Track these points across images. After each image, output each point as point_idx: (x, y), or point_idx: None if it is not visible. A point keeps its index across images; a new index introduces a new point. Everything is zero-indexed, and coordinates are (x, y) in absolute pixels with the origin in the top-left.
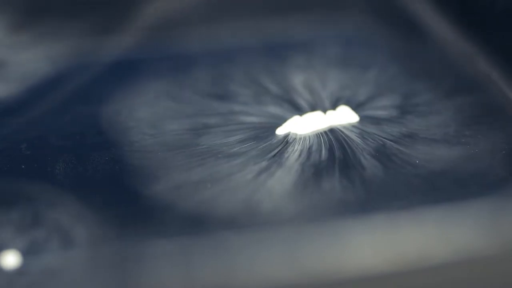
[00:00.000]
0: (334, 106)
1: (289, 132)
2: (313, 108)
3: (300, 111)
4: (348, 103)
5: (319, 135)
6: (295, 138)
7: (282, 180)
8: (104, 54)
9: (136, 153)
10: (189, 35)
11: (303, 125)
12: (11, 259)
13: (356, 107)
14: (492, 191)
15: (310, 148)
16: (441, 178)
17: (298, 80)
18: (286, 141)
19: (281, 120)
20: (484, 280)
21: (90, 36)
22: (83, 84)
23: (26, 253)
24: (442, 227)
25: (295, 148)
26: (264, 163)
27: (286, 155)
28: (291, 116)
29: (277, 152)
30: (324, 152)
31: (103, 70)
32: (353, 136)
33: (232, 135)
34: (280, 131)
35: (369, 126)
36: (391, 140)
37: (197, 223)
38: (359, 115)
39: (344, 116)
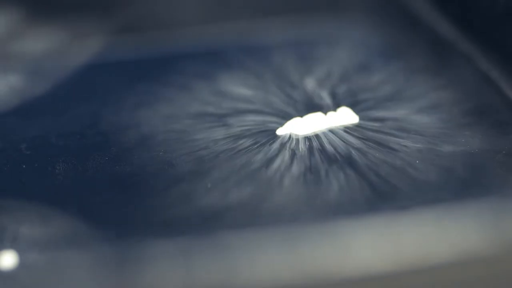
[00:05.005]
0: (334, 107)
1: (290, 132)
2: (313, 109)
3: (300, 112)
4: (348, 103)
5: (319, 136)
6: (295, 139)
7: (282, 180)
8: (104, 54)
9: (136, 154)
10: (185, 35)
11: (304, 126)
12: (10, 259)
13: (356, 108)
14: (492, 191)
15: (310, 148)
16: (441, 178)
17: (298, 80)
18: (287, 141)
19: (282, 121)
20: (484, 280)
21: (89, 36)
22: (83, 84)
23: (25, 253)
24: (442, 227)
25: (296, 149)
26: (264, 164)
27: (286, 156)
28: (291, 117)
29: (278, 153)
30: (324, 153)
31: (102, 70)
32: (353, 136)
33: (231, 135)
34: (281, 131)
35: (369, 126)
36: (391, 140)
37: (197, 223)
38: (359, 116)
39: (344, 117)
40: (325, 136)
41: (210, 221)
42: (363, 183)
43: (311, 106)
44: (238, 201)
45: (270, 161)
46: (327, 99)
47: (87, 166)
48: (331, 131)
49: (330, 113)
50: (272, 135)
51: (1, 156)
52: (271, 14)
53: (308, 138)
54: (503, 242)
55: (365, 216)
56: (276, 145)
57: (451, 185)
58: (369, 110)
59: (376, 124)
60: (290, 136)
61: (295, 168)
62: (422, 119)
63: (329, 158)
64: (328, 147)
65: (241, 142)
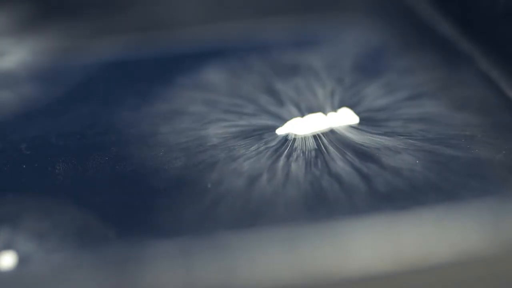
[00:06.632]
0: (334, 108)
1: (290, 132)
2: (313, 109)
3: (301, 112)
4: (348, 104)
5: (320, 136)
6: (295, 139)
7: (282, 180)
8: (104, 54)
9: (135, 154)
10: (185, 35)
11: (304, 126)
12: (10, 260)
13: (356, 108)
14: (492, 191)
15: (310, 148)
16: (441, 178)
17: (299, 80)
18: (287, 141)
19: (282, 121)
20: (484, 280)
21: (88, 37)
22: (83, 84)
23: (25, 253)
24: (442, 227)
25: (295, 149)
26: (264, 164)
27: (286, 156)
28: (291, 117)
29: (278, 153)
30: (324, 153)
31: (102, 70)
32: (353, 136)
33: (232, 135)
34: (281, 131)
35: (369, 127)
36: (391, 141)
37: (197, 223)
38: (359, 116)
39: (344, 118)
40: (325, 137)
41: (210, 221)
42: (364, 183)
43: (311, 106)
44: (238, 201)
45: (270, 161)
46: (327, 99)
47: (87, 166)
48: (331, 131)
49: (331, 114)
50: (272, 135)
51: (1, 156)
52: (271, 14)
53: (308, 138)
54: (503, 242)
55: (365, 216)
56: (276, 145)
57: (451, 185)
58: (369, 110)
59: (376, 124)
60: (290, 136)
61: (295, 168)
62: (421, 119)
63: (329, 159)
64: (328, 147)
65: (241, 142)
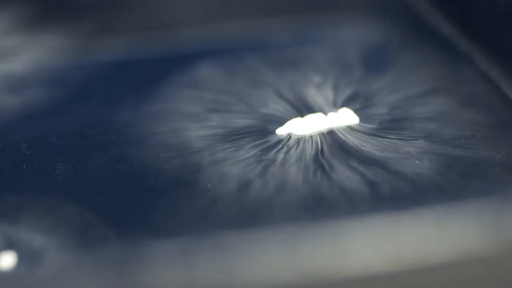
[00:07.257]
0: (334, 108)
1: (289, 132)
2: (313, 110)
3: (301, 112)
4: (349, 104)
5: (319, 136)
6: (295, 139)
7: (282, 180)
8: (104, 54)
9: (136, 154)
10: (186, 35)
11: (304, 126)
12: (10, 260)
13: (357, 109)
14: (492, 191)
15: (310, 148)
16: (441, 178)
17: (299, 80)
18: (286, 141)
19: (282, 121)
20: (484, 280)
21: (90, 36)
22: (83, 84)
23: (25, 253)
24: (442, 227)
25: (295, 149)
26: (264, 164)
27: (286, 156)
28: (291, 117)
29: (277, 153)
30: (323, 153)
31: (102, 70)
32: (353, 137)
33: (231, 135)
34: (280, 131)
35: (370, 127)
36: (391, 141)
37: (197, 223)
38: (360, 117)
39: (344, 118)
40: (325, 137)
41: (210, 221)
42: (363, 183)
43: (311, 106)
44: (238, 201)
45: (269, 161)
46: (327, 99)
47: (87, 166)
48: (331, 131)
49: (330, 114)
50: (272, 135)
51: (1, 156)
52: (271, 14)
53: (308, 139)
54: (503, 242)
55: (365, 216)
56: (276, 145)
57: (451, 185)
58: (370, 111)
59: (376, 125)
60: (290, 136)
61: (295, 168)
62: (422, 119)
63: (329, 159)
64: (327, 147)
65: (241, 142)
